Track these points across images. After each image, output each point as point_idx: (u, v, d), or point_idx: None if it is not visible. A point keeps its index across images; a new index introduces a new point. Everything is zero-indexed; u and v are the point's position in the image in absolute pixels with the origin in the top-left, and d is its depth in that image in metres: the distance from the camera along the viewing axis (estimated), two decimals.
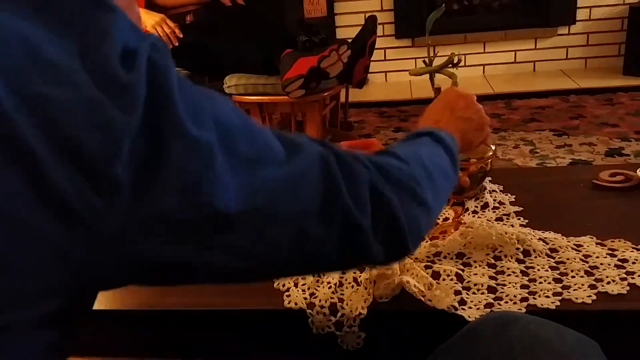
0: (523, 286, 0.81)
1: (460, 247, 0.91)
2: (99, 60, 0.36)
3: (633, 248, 0.88)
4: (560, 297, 0.78)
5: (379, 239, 0.52)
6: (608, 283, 0.80)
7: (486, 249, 0.90)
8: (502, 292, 0.80)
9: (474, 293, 0.81)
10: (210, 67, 2.68)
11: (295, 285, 0.85)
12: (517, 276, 0.84)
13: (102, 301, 0.84)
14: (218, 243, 0.42)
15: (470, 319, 0.75)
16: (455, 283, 0.83)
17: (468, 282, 0.83)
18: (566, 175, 1.26)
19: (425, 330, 0.82)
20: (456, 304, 0.78)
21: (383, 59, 3.95)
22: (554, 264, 0.86)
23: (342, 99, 2.97)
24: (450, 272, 0.85)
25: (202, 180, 0.40)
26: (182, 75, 0.41)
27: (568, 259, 0.86)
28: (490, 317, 0.66)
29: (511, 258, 0.88)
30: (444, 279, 0.84)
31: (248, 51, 2.58)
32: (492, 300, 0.79)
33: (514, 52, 3.90)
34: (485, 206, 1.07)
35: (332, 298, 0.83)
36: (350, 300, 0.81)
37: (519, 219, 1.01)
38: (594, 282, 0.81)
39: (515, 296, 0.79)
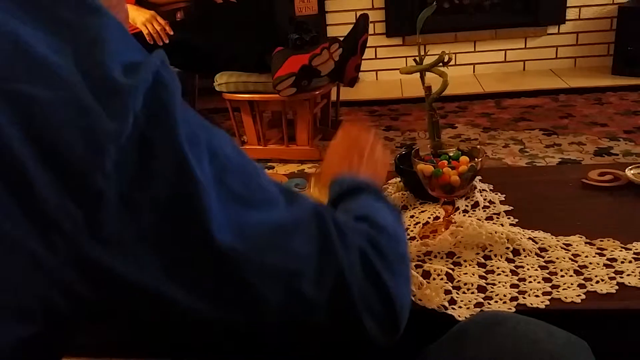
0: (513, 285, 0.82)
1: (451, 247, 0.91)
2: (94, 62, 0.35)
3: (622, 247, 0.88)
4: (549, 297, 0.78)
5: (368, 311, 0.48)
6: (597, 282, 0.80)
7: (476, 248, 0.90)
8: (492, 292, 0.80)
9: (464, 292, 0.81)
10: (200, 64, 2.67)
11: None
12: (507, 275, 0.84)
13: None
14: (198, 274, 0.39)
15: (460, 319, 0.75)
16: (446, 282, 0.83)
17: (458, 281, 0.83)
18: (555, 174, 1.26)
19: (414, 330, 0.81)
20: (446, 304, 0.78)
21: (374, 57, 3.96)
22: (544, 263, 0.86)
23: (333, 97, 2.97)
24: (441, 271, 0.85)
25: (191, 203, 0.38)
26: (184, 101, 0.39)
27: (557, 258, 0.86)
28: (480, 317, 0.66)
29: (501, 257, 0.88)
30: (434, 278, 0.84)
31: (239, 49, 2.57)
32: (482, 300, 0.79)
33: (504, 52, 3.92)
34: (475, 205, 1.07)
35: None
36: None
37: (508, 218, 1.01)
38: (583, 282, 0.81)
39: (505, 295, 0.79)
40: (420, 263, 0.88)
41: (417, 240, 0.95)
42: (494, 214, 1.03)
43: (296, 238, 0.44)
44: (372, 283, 0.48)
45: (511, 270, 0.85)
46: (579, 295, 0.78)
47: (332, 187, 0.65)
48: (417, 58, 1.03)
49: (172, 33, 2.55)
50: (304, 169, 2.63)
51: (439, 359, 0.62)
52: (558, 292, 0.79)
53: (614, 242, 0.89)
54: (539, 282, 0.82)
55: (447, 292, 0.81)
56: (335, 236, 0.46)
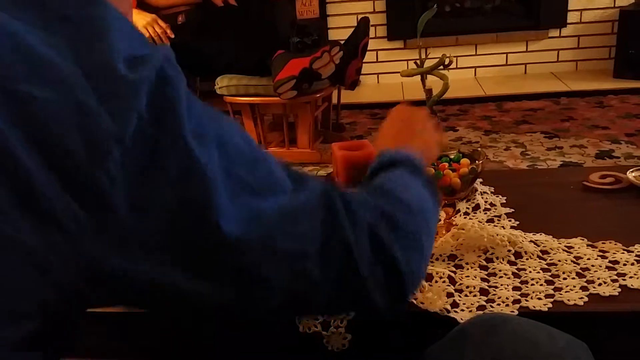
0: (515, 288, 0.81)
1: (452, 249, 0.90)
2: (95, 59, 0.35)
3: (624, 250, 0.88)
4: (552, 299, 0.78)
5: (377, 286, 0.49)
6: (599, 285, 0.80)
7: (478, 250, 0.90)
8: (494, 294, 0.80)
9: (466, 295, 0.81)
10: (202, 68, 2.67)
11: None
12: (509, 278, 0.84)
13: None
14: (208, 267, 0.40)
15: (462, 322, 0.75)
16: (448, 285, 0.82)
17: (460, 284, 0.83)
18: (557, 177, 1.26)
19: (414, 333, 0.81)
20: (448, 307, 0.78)
21: (375, 60, 3.96)
22: (546, 266, 0.86)
23: (334, 100, 2.97)
24: (443, 274, 0.84)
25: (199, 199, 0.38)
26: (192, 94, 0.39)
27: (559, 261, 0.86)
28: (480, 319, 0.66)
29: (503, 260, 0.88)
30: (436, 281, 0.84)
31: (240, 52, 2.57)
32: (484, 303, 0.79)
33: (505, 55, 3.92)
34: (476, 208, 1.07)
35: None
36: None
37: (510, 220, 1.00)
38: (586, 284, 0.81)
39: (507, 298, 0.79)
40: None
41: None
42: (495, 216, 1.03)
43: (304, 221, 0.44)
44: (380, 258, 0.49)
45: (513, 273, 0.85)
46: (582, 297, 0.78)
47: (375, 160, 0.66)
48: (418, 61, 1.03)
49: (173, 36, 2.55)
50: None
51: None
52: (561, 294, 0.79)
53: (616, 244, 0.89)
54: (541, 285, 0.81)
55: (449, 295, 0.80)
56: (344, 215, 0.46)
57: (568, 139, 2.77)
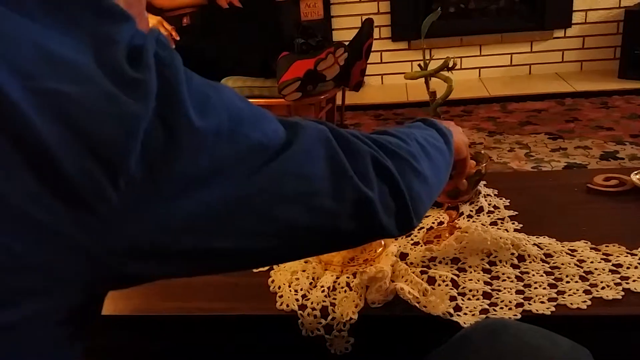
0: (518, 291, 0.81)
1: (455, 252, 0.90)
2: (111, 59, 0.37)
3: (627, 253, 0.87)
4: (555, 303, 0.78)
5: (386, 210, 0.53)
6: (603, 288, 0.80)
7: (481, 254, 0.90)
8: (497, 298, 0.80)
9: (469, 299, 0.81)
10: (206, 69, 2.66)
11: (290, 286, 0.85)
12: (512, 281, 0.83)
13: None
14: (231, 228, 0.43)
15: (465, 325, 0.75)
16: (451, 289, 0.82)
17: (463, 287, 0.83)
18: (561, 179, 1.26)
19: (416, 337, 0.81)
20: (451, 310, 0.78)
21: (379, 61, 3.96)
22: (549, 269, 0.86)
23: (339, 101, 2.97)
24: (446, 277, 0.84)
25: (212, 171, 0.41)
26: (186, 69, 0.42)
27: (563, 264, 0.86)
28: (482, 325, 0.66)
29: (506, 263, 0.88)
30: (439, 285, 0.84)
31: (244, 54, 2.58)
32: (487, 306, 0.79)
33: (509, 55, 3.91)
34: (480, 210, 1.06)
35: (324, 302, 0.82)
36: (342, 304, 0.81)
37: (513, 223, 1.00)
38: (589, 288, 0.80)
39: (510, 302, 0.79)
40: (425, 269, 0.88)
41: (421, 246, 0.95)
42: (499, 219, 1.03)
43: (308, 163, 0.47)
44: (383, 178, 0.53)
45: (516, 276, 0.85)
46: (585, 301, 0.78)
47: None
48: (422, 63, 1.03)
49: (178, 38, 2.56)
50: None
51: None
52: (564, 298, 0.79)
53: (619, 247, 0.89)
54: (544, 288, 0.81)
55: (452, 298, 0.80)
56: (342, 154, 0.50)
57: (572, 140, 2.76)
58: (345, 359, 0.80)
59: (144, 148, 0.37)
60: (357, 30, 2.69)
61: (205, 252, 0.43)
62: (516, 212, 1.04)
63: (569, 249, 0.90)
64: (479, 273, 0.86)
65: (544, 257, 0.88)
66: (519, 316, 0.76)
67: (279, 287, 0.86)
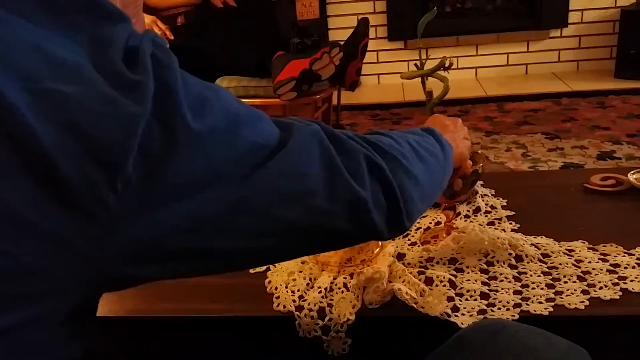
0: (516, 292, 0.81)
1: (453, 253, 0.90)
2: (108, 61, 0.37)
3: (625, 253, 0.87)
4: (553, 303, 0.78)
5: (379, 210, 0.53)
6: (600, 288, 0.80)
7: (478, 254, 0.89)
8: (494, 299, 0.80)
9: (466, 299, 0.80)
10: (201, 69, 2.66)
11: (286, 287, 0.84)
12: (509, 282, 0.83)
13: None
14: (229, 228, 0.43)
15: (463, 326, 0.74)
16: (448, 289, 0.82)
17: (461, 288, 0.82)
18: (558, 179, 1.26)
19: (414, 338, 0.81)
20: (449, 311, 0.78)
21: (376, 61, 3.96)
22: (547, 270, 0.85)
23: (335, 101, 2.97)
24: (443, 278, 0.84)
25: (209, 172, 0.41)
26: (182, 70, 0.41)
27: (560, 264, 0.86)
28: (479, 325, 0.65)
29: (503, 263, 0.87)
30: (436, 285, 0.83)
31: (240, 53, 2.57)
32: (484, 307, 0.78)
33: (506, 55, 3.91)
34: (477, 210, 1.06)
35: (321, 302, 0.82)
36: (339, 305, 0.81)
37: (510, 223, 1.00)
38: (587, 288, 0.80)
39: (508, 302, 0.79)
40: (422, 269, 0.88)
41: (419, 246, 0.94)
42: (496, 219, 1.02)
43: (302, 162, 0.47)
44: (378, 180, 0.53)
45: (514, 277, 0.84)
46: (583, 301, 0.77)
47: None
48: (419, 62, 1.02)
49: (172, 38, 2.55)
50: None
51: None
52: (562, 298, 0.78)
53: (617, 247, 0.89)
54: (542, 289, 0.81)
55: (450, 299, 0.80)
56: (335, 153, 0.50)
57: (569, 140, 2.76)
58: None
59: (141, 150, 0.36)
60: (352, 30, 2.69)
61: (203, 252, 0.43)
62: (513, 212, 1.04)
63: (566, 249, 0.89)
64: (476, 273, 0.86)
65: (541, 258, 0.88)
66: (517, 316, 0.76)
67: (276, 288, 0.85)
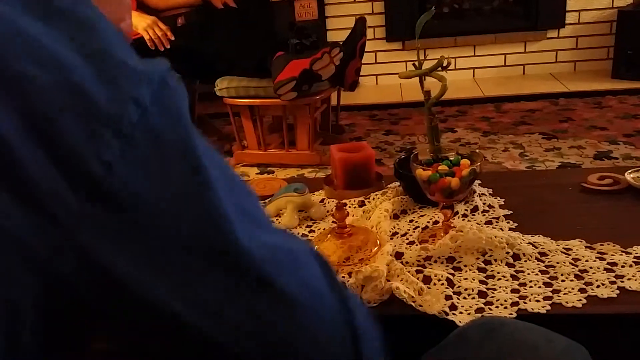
0: (513, 290, 0.81)
1: (451, 251, 0.90)
2: (94, 47, 0.34)
3: (622, 251, 0.88)
4: (550, 301, 0.78)
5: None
6: (598, 287, 0.80)
7: (476, 253, 0.90)
8: (492, 297, 0.80)
9: (464, 298, 0.81)
10: (201, 70, 2.67)
11: None
12: (507, 280, 0.84)
13: None
14: (201, 281, 0.36)
15: (461, 324, 0.75)
16: (446, 288, 0.82)
17: (459, 286, 0.83)
18: (555, 178, 1.26)
19: (412, 336, 0.81)
20: (447, 309, 0.78)
21: (374, 62, 3.96)
22: (544, 268, 0.86)
23: (334, 102, 2.97)
24: (441, 276, 0.84)
25: (211, 209, 0.35)
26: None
27: (558, 263, 0.86)
28: (478, 323, 0.66)
29: (501, 262, 0.88)
30: (434, 284, 0.84)
31: (240, 54, 2.58)
32: (482, 305, 0.79)
33: (503, 56, 3.92)
34: (474, 209, 1.07)
35: None
36: None
37: (508, 222, 1.01)
38: (584, 286, 0.81)
39: (505, 300, 0.79)
40: (420, 268, 0.88)
41: (417, 245, 0.95)
42: (493, 218, 1.03)
43: (306, 266, 0.42)
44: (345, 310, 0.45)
45: (512, 275, 0.85)
46: (580, 300, 0.78)
47: None
48: (417, 62, 1.03)
49: (173, 38, 2.55)
50: (304, 174, 2.63)
51: None
52: (559, 296, 0.79)
53: (614, 246, 0.89)
54: (539, 287, 0.81)
55: (448, 297, 0.80)
56: (329, 270, 0.44)
57: (566, 140, 2.77)
58: None
59: (123, 155, 0.32)
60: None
61: (158, 311, 0.35)
62: (511, 211, 1.04)
63: (563, 248, 0.90)
64: (474, 272, 0.86)
65: (539, 256, 0.89)
66: (515, 315, 0.76)
67: None
